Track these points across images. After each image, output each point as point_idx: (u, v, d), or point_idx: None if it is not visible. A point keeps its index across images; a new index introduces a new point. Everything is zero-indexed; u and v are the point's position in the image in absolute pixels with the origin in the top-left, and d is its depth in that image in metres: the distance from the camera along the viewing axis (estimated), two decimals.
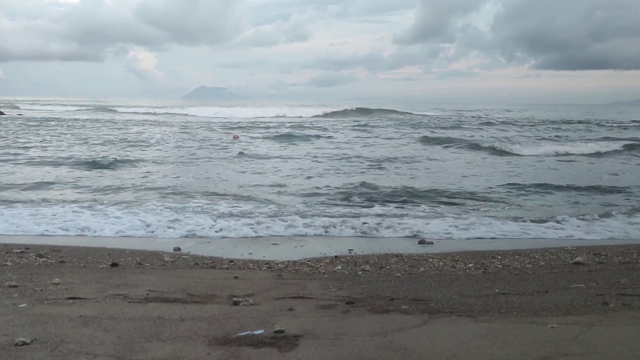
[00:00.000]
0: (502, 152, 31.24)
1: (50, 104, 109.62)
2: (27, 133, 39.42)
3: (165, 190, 17.72)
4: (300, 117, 73.98)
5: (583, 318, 6.03)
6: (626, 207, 15.72)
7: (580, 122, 67.06)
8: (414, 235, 12.31)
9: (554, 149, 32.15)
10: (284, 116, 74.97)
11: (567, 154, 31.23)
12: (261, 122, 61.12)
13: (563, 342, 5.21)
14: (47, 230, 12.22)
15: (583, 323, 5.79)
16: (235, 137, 36.14)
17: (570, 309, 6.46)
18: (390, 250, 10.88)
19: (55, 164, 23.88)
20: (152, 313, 6.16)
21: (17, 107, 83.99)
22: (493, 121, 66.49)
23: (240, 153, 28.78)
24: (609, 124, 62.76)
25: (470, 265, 9.55)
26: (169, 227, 12.70)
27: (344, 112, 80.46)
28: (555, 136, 43.30)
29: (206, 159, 25.84)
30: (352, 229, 12.83)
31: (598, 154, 31.43)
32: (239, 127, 49.88)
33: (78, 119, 59.34)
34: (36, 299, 6.71)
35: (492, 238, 12.30)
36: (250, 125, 54.67)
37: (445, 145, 35.12)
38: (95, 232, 12.29)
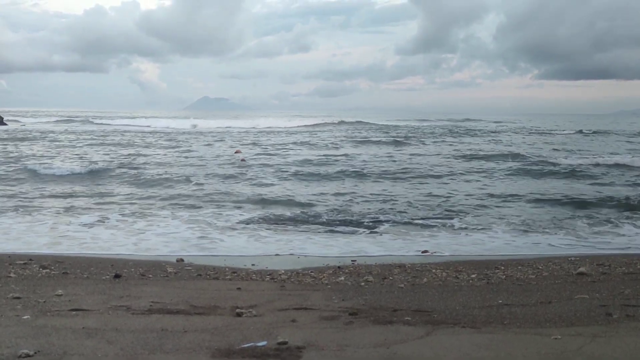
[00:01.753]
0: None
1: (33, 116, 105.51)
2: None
3: (169, 200, 17.77)
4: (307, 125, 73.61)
5: (587, 329, 6.01)
6: None
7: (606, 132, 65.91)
8: None
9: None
10: (295, 126, 74.00)
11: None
12: (276, 131, 61.31)
13: (567, 353, 5.19)
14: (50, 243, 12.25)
15: (587, 334, 5.77)
16: (237, 152, 36.00)
17: (574, 320, 6.44)
18: (393, 261, 10.87)
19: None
20: (156, 324, 6.15)
21: None
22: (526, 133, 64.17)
23: (242, 160, 28.88)
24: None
25: (473, 275, 9.53)
26: (172, 237, 12.77)
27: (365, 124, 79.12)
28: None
29: (211, 174, 25.74)
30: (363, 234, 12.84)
31: None
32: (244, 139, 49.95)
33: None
34: (39, 310, 6.71)
35: None
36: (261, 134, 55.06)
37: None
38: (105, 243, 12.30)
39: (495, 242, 12.92)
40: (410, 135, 57.09)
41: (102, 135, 51.37)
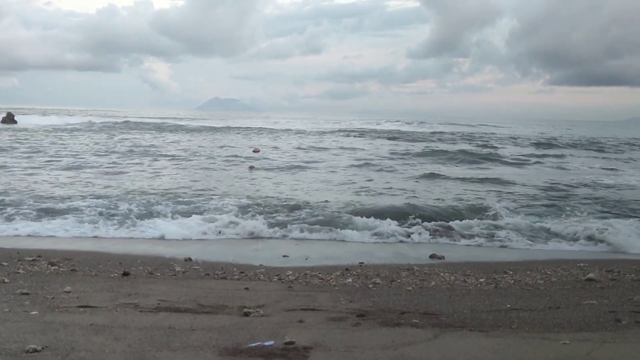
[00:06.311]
0: None
1: None
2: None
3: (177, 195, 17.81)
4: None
5: (595, 335, 5.97)
6: None
7: None
8: None
9: None
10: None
11: None
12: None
13: (575, 358, 5.16)
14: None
15: (595, 340, 5.74)
16: (256, 151, 34.08)
17: (583, 326, 6.41)
18: (401, 263, 10.86)
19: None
20: (163, 322, 6.17)
21: None
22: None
23: (251, 167, 27.62)
24: None
25: (481, 279, 9.50)
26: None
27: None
28: None
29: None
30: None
31: None
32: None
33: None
34: (47, 306, 6.75)
35: None
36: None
37: None
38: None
39: None
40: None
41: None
